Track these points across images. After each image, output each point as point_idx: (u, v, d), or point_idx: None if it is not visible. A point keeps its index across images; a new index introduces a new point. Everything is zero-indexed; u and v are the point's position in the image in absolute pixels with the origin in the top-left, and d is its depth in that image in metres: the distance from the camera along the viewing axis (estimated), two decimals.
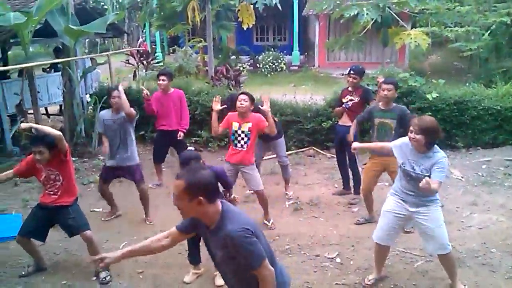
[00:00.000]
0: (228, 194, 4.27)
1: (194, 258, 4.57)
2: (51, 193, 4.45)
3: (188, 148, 4.10)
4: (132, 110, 5.57)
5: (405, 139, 4.05)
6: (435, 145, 3.88)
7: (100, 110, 8.56)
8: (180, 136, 6.70)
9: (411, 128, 3.88)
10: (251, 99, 5.37)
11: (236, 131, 5.39)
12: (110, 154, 5.67)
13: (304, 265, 4.74)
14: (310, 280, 4.46)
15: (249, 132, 5.36)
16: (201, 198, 2.38)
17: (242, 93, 5.46)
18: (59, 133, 4.25)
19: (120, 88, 5.59)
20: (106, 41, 28.63)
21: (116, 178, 5.96)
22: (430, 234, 4.05)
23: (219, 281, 4.34)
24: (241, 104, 5.30)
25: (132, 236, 5.44)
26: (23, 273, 4.64)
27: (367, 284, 4.37)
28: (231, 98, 6.17)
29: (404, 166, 4.00)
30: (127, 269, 4.74)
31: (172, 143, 6.90)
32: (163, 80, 6.58)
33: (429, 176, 3.76)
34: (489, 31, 13.35)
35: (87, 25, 7.85)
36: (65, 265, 4.84)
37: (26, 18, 7.17)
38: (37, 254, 4.69)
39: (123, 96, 5.49)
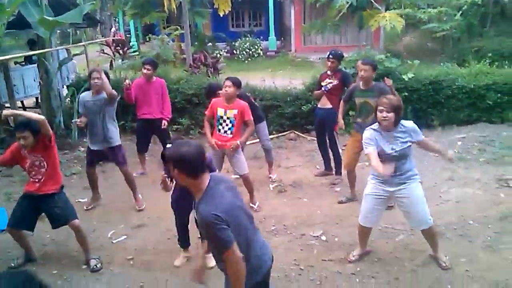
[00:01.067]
0: None
1: (183, 242, 4.66)
2: (36, 180, 4.46)
3: (167, 146, 4.09)
4: (114, 91, 5.56)
5: (368, 132, 4.15)
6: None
7: (77, 101, 8.54)
8: (164, 125, 6.72)
9: (380, 107, 4.00)
10: (237, 85, 5.40)
11: (221, 117, 5.44)
12: (92, 136, 5.68)
13: (290, 245, 4.87)
14: (298, 258, 4.60)
15: (234, 119, 5.41)
16: (181, 170, 2.55)
17: (228, 78, 5.48)
18: (43, 117, 4.28)
19: (99, 68, 5.58)
20: (78, 32, 28.14)
21: (101, 160, 6.00)
22: (411, 211, 4.23)
23: (210, 263, 4.43)
24: (225, 90, 5.35)
25: (119, 225, 5.50)
26: (13, 264, 4.66)
27: (351, 259, 4.53)
28: (209, 87, 6.27)
29: (384, 152, 4.05)
30: (117, 256, 4.80)
31: (155, 132, 6.91)
32: (148, 69, 6.55)
33: (409, 147, 4.03)
34: (460, 12, 13.60)
35: (63, 15, 7.73)
36: (55, 256, 4.87)
37: (0, 10, 7.04)
38: (27, 245, 4.71)
39: (104, 77, 5.47)
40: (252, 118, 5.56)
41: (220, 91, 5.66)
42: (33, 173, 4.46)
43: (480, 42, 13.75)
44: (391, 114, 3.93)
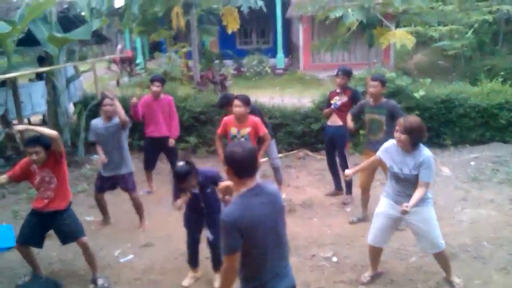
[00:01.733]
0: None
1: (193, 261, 4.56)
2: (44, 196, 4.38)
3: (178, 163, 4.05)
4: (127, 118, 5.52)
5: (390, 142, 4.14)
6: (421, 144, 3.95)
7: (85, 118, 8.53)
8: (171, 143, 6.66)
9: (396, 128, 3.96)
10: (246, 103, 5.33)
11: (235, 136, 5.37)
12: (105, 162, 5.59)
13: (300, 265, 4.74)
14: (308, 279, 4.48)
15: (248, 137, 5.34)
16: (230, 167, 2.67)
17: (236, 97, 5.40)
18: (55, 132, 4.23)
19: (112, 95, 5.53)
20: (83, 49, 28.40)
21: (112, 187, 5.83)
22: (422, 234, 4.12)
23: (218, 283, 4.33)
24: (235, 110, 5.28)
25: (126, 244, 5.40)
26: (20, 282, 4.58)
27: (363, 281, 4.41)
28: (226, 97, 6.20)
29: (392, 169, 4.07)
30: (124, 275, 4.72)
31: (162, 150, 6.84)
32: (157, 86, 6.51)
33: (417, 176, 3.88)
34: (472, 30, 13.57)
35: (71, 32, 7.76)
36: (61, 274, 4.78)
37: (11, 27, 7.07)
38: (34, 263, 4.62)
39: (117, 103, 5.43)
40: (266, 131, 5.51)
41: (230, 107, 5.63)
42: (42, 189, 4.39)
43: (492, 60, 13.66)
44: (404, 136, 3.87)
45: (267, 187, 2.79)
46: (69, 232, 4.47)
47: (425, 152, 3.93)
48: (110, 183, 5.70)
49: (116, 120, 5.49)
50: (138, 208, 5.81)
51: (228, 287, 2.67)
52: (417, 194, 3.85)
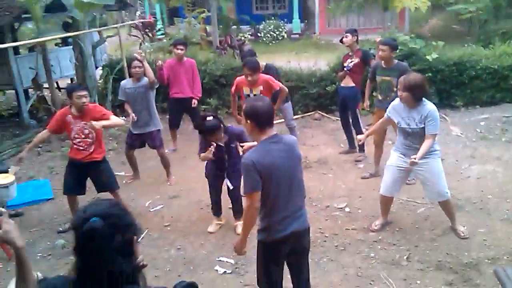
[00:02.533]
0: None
1: (216, 210, 5.01)
2: (81, 148, 4.80)
3: (207, 118, 4.44)
4: (155, 77, 5.91)
5: (396, 101, 4.48)
6: (424, 99, 4.27)
7: (111, 81, 8.94)
8: (194, 104, 7.05)
9: (398, 86, 4.29)
10: (255, 70, 5.46)
11: (248, 95, 5.63)
12: (134, 120, 5.97)
13: (316, 215, 5.16)
14: (323, 226, 4.91)
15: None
16: (252, 121, 2.94)
17: (245, 64, 5.57)
18: (122, 122, 4.98)
19: (141, 57, 5.90)
20: (103, 15, 28.59)
21: (141, 144, 6.25)
22: (429, 184, 4.49)
23: (240, 229, 4.76)
24: (248, 79, 5.49)
25: (155, 196, 5.88)
26: (60, 229, 5.08)
27: (374, 228, 4.81)
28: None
29: (400, 125, 4.41)
30: (154, 223, 5.19)
31: (186, 110, 7.24)
32: (181, 49, 6.85)
33: (423, 129, 4.21)
34: None
35: None
36: None
37: None
38: (75, 211, 5.11)
39: (146, 64, 5.83)
40: (281, 84, 5.76)
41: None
42: (78, 140, 4.79)
43: (507, 24, 13.57)
44: (406, 93, 4.20)
45: (285, 137, 3.14)
46: (106, 182, 4.94)
47: (429, 106, 4.25)
48: (139, 140, 6.13)
49: (144, 80, 5.87)
50: (165, 163, 6.25)
51: (250, 224, 3.02)
52: (425, 146, 4.19)
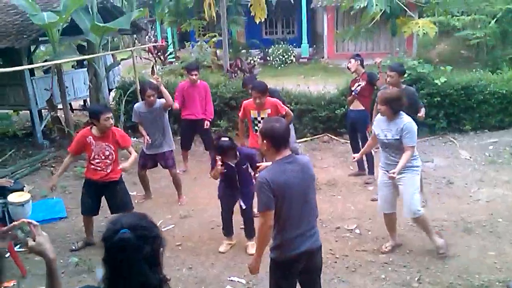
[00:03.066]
0: (255, 175, 4.75)
1: (227, 230, 5.07)
2: (99, 169, 4.92)
3: (222, 138, 4.60)
4: (172, 101, 6.10)
5: (379, 115, 4.67)
6: (401, 113, 4.45)
7: (124, 103, 9.11)
8: (207, 125, 7.17)
9: (377, 100, 4.56)
10: (263, 92, 5.46)
11: (255, 118, 5.64)
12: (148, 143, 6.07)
13: (326, 236, 5.19)
14: (333, 248, 4.95)
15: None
16: (268, 141, 3.04)
17: (253, 88, 5.58)
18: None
19: (155, 85, 6.05)
20: (115, 39, 29.13)
21: (154, 164, 6.35)
22: (403, 199, 4.62)
23: (251, 250, 4.82)
24: (257, 101, 5.50)
25: (167, 215, 5.96)
26: (73, 247, 5.16)
27: (384, 250, 4.85)
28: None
29: (379, 136, 4.62)
30: (166, 242, 5.22)
31: (197, 131, 7.36)
32: (195, 74, 7.02)
33: (399, 140, 4.40)
34: (495, 19, 13.61)
35: (113, 22, 8.28)
36: None
37: (57, 17, 7.64)
38: (90, 230, 5.20)
39: (164, 89, 6.02)
40: (287, 109, 5.81)
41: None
42: (97, 160, 4.91)
43: None
44: (383, 107, 4.43)
45: (300, 157, 3.23)
46: (122, 203, 5.02)
47: (405, 119, 4.43)
48: (152, 160, 6.23)
49: (158, 103, 6.00)
50: (177, 183, 6.34)
51: (263, 242, 3.09)
52: (403, 158, 4.38)
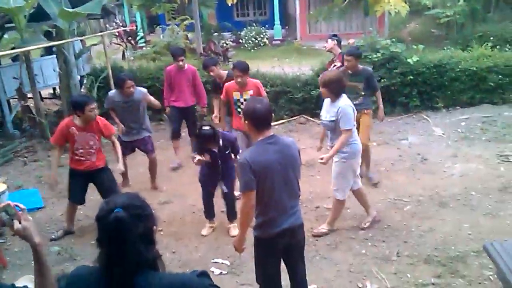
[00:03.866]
0: (236, 158, 4.78)
1: (209, 213, 5.09)
2: (83, 159, 4.86)
3: (204, 127, 4.58)
4: (158, 103, 6.06)
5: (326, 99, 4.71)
6: (343, 95, 4.50)
7: (96, 90, 8.95)
8: (203, 112, 7.13)
9: (319, 82, 4.64)
10: (245, 71, 5.46)
11: (238, 100, 5.61)
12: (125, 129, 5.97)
13: (306, 216, 5.19)
14: (313, 226, 5.02)
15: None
16: (250, 121, 3.07)
17: (234, 67, 5.54)
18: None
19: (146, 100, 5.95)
20: (81, 24, 28.44)
21: (132, 150, 6.24)
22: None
23: (233, 232, 4.86)
24: (238, 80, 5.45)
25: (147, 201, 5.89)
26: (53, 236, 5.10)
27: (363, 226, 4.94)
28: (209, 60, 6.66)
29: (320, 118, 4.74)
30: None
31: (185, 118, 7.08)
32: (182, 60, 6.66)
33: (333, 122, 4.47)
34: None
35: (82, 7, 8.04)
36: (90, 229, 5.25)
37: (24, 2, 7.40)
38: (72, 218, 5.15)
39: (152, 98, 5.98)
40: (264, 93, 5.78)
41: (213, 67, 6.24)
42: (81, 151, 4.82)
43: (483, 27, 13.96)
44: (323, 89, 4.50)
45: (283, 138, 3.24)
46: (111, 187, 4.98)
47: (342, 101, 4.46)
48: (130, 147, 6.13)
49: (137, 94, 5.78)
50: (153, 169, 6.24)
51: (246, 222, 3.12)
52: (337, 143, 4.47)
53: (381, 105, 6.19)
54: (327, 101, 4.64)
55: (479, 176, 6.03)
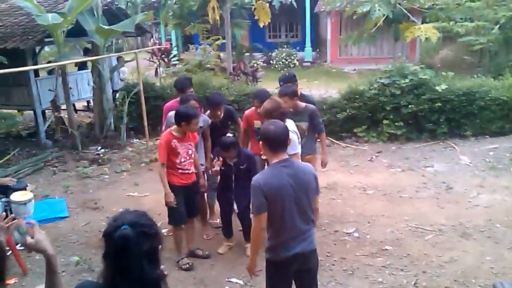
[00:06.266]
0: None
1: (227, 232, 5.11)
2: (187, 171, 4.69)
3: (227, 135, 4.69)
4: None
5: None
6: (286, 120, 4.28)
7: (127, 105, 9.18)
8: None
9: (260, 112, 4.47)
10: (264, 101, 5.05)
11: (259, 128, 5.54)
12: None
13: (324, 239, 5.23)
14: (331, 250, 4.98)
15: None
16: (264, 142, 3.10)
17: (255, 97, 5.31)
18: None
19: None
20: (119, 41, 29.32)
21: None
22: None
23: (249, 252, 4.86)
24: (258, 111, 5.07)
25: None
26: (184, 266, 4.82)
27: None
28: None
29: None
30: (165, 244, 5.23)
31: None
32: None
33: None
34: (498, 25, 13.67)
35: (117, 24, 8.38)
36: None
37: (62, 18, 7.73)
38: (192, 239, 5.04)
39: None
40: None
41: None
42: (184, 162, 4.64)
43: None
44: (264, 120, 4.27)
45: (298, 162, 3.25)
46: (196, 205, 4.92)
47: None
48: None
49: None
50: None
51: (257, 244, 3.12)
52: None
53: (325, 149, 5.72)
54: None
55: (505, 208, 5.87)
